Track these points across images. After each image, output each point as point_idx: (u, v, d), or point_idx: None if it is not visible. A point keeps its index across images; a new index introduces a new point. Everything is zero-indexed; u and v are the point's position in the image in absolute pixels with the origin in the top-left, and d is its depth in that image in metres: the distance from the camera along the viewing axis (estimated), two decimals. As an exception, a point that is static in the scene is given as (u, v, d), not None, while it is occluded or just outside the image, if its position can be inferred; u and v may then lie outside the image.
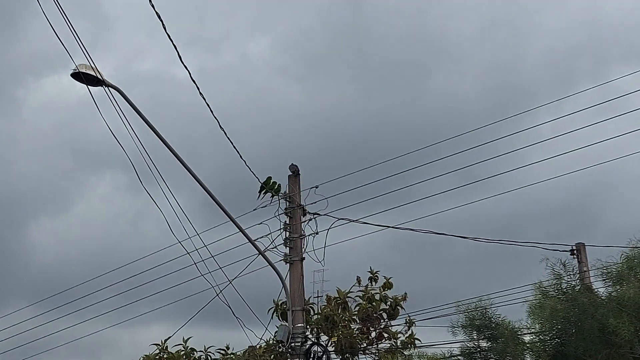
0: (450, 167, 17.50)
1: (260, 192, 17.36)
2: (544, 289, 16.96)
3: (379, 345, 17.10)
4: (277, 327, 17.01)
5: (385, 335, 17.25)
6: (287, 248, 17.20)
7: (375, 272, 17.71)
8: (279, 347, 17.06)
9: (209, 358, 18.60)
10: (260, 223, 17.37)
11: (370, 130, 40.23)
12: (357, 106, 43.17)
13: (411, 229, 17.23)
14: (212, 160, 34.24)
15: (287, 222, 17.35)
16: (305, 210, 17.32)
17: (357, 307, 17.52)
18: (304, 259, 17.06)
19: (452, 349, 17.66)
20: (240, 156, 15.62)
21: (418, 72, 45.21)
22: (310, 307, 17.62)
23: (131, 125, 12.97)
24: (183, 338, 18.56)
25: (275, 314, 17.63)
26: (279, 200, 17.39)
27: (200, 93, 13.09)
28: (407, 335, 17.32)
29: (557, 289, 16.87)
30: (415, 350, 17.52)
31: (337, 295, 17.67)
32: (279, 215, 17.38)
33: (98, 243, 40.50)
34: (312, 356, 16.76)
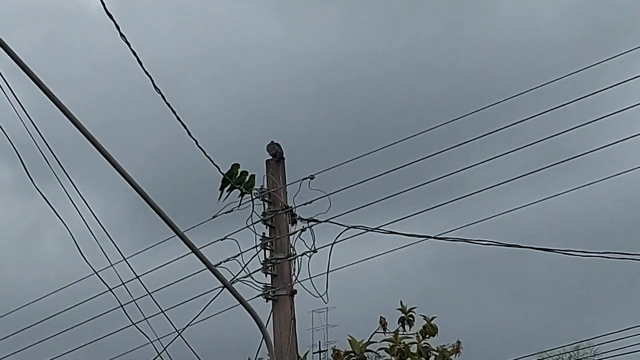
0: (524, 140, 14.02)
1: (222, 188, 14.42)
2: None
3: None
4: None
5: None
6: (269, 276, 14.37)
7: (410, 310, 15.88)
8: None
9: None
10: (225, 238, 14.56)
11: (393, 85, 35.24)
12: (371, 47, 37.60)
13: (464, 240, 14.34)
14: (146, 142, 30.03)
15: (267, 234, 14.55)
16: (295, 215, 14.53)
17: (383, 366, 15.27)
18: (295, 292, 14.29)
19: None
20: (189, 133, 12.80)
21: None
22: (308, 368, 15.64)
23: (13, 92, 10.23)
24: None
25: (252, 380, 15.25)
26: (252, 200, 14.46)
27: (122, 34, 10.65)
28: (463, 407, 15.60)
29: None
30: None
31: (351, 349, 15.64)
32: (253, 224, 14.49)
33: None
34: None
